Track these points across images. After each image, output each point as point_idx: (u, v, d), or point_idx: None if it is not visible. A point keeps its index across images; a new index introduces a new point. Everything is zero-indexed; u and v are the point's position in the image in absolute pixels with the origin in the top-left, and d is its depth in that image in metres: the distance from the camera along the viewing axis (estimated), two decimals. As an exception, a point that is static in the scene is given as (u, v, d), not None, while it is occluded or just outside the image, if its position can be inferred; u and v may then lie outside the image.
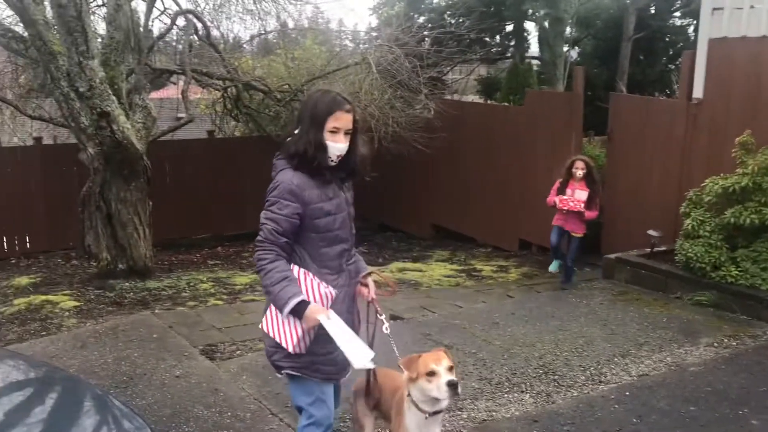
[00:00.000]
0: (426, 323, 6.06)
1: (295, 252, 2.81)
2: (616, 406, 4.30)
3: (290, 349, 2.77)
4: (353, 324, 2.96)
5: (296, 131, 2.79)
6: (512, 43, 17.85)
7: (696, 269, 6.49)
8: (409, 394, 2.86)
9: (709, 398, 4.41)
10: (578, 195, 6.80)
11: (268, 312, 2.84)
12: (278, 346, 2.81)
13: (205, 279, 7.98)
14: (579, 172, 6.82)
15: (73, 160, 8.15)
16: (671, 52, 17.60)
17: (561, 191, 6.94)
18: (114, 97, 6.91)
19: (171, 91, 13.46)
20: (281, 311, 2.72)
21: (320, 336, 2.77)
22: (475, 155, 10.26)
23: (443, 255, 10.14)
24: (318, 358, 2.84)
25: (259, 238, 2.75)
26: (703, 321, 5.96)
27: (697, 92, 7.65)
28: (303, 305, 2.69)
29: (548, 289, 7.42)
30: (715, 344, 5.44)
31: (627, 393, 4.50)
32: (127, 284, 7.32)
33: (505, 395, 4.53)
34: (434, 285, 8.16)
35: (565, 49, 16.76)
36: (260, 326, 2.89)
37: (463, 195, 10.63)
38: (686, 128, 7.71)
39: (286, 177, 2.75)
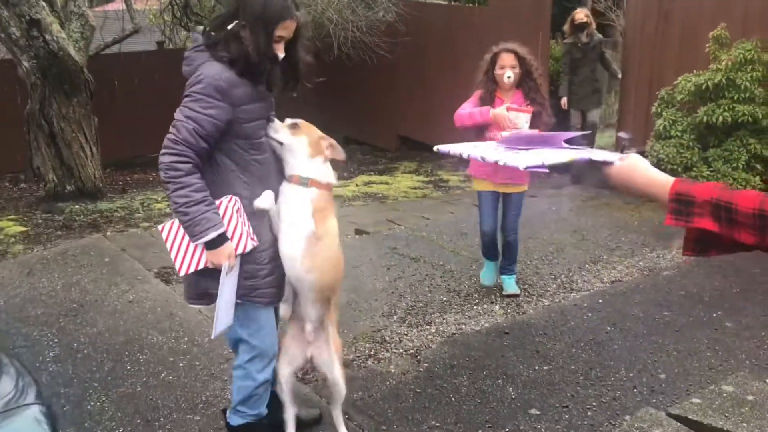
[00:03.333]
0: (393, 236, 5.84)
1: (217, 162, 2.42)
2: (589, 314, 4.17)
3: (178, 271, 2.44)
4: None
5: (231, 27, 2.36)
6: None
7: (667, 171, 6.27)
8: None
9: (682, 302, 4.30)
10: (516, 118, 3.99)
11: (174, 223, 2.45)
12: (203, 272, 2.44)
13: (159, 198, 7.62)
14: (508, 75, 4.16)
15: (14, 76, 7.57)
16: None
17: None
18: (44, 4, 6.32)
19: (118, 4, 12.66)
20: (192, 237, 2.36)
21: (260, 255, 2.48)
22: (440, 61, 9.83)
23: (410, 167, 9.87)
24: (259, 282, 2.52)
25: (171, 137, 2.31)
26: (675, 223, 5.82)
27: (670, -14, 7.27)
28: (220, 239, 2.35)
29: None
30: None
31: (599, 300, 4.37)
32: (76, 207, 6.94)
33: (475, 307, 4.37)
34: (401, 197, 7.93)
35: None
36: (160, 231, 2.50)
37: (428, 103, 10.25)
38: (657, 25, 7.37)
39: (213, 71, 2.33)
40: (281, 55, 2.42)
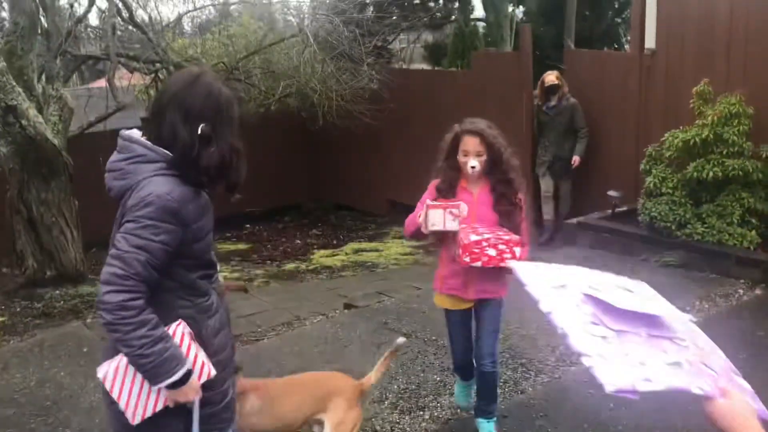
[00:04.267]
0: (383, 310, 5.64)
1: (159, 287, 2.08)
2: (591, 391, 3.94)
3: (132, 420, 2.08)
4: (232, 344, 2.40)
5: (202, 130, 2.06)
6: (456, 6, 17.36)
7: (661, 229, 6.19)
8: None
9: (688, 372, 4.08)
10: (433, 218, 3.13)
11: (116, 366, 2.07)
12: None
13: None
14: (473, 165, 3.28)
15: (-7, 160, 7.46)
16: (617, 5, 17.31)
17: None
18: (20, 90, 6.25)
19: (103, 81, 12.72)
20: (153, 380, 2.02)
21: (215, 379, 2.19)
22: (425, 124, 9.79)
23: (400, 231, 9.71)
24: (216, 408, 2.24)
25: (118, 272, 1.95)
26: (673, 283, 5.64)
27: (649, 43, 7.29)
28: (187, 375, 2.05)
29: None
30: (688, 308, 5.14)
31: (601, 374, 4.14)
32: (57, 292, 6.74)
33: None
34: (391, 265, 7.77)
35: (510, 8, 16.33)
36: (99, 378, 2.11)
37: (416, 166, 10.15)
38: (640, 81, 7.36)
39: (162, 189, 2.00)
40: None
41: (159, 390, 2.06)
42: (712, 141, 6.07)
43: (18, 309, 6.52)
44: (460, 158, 3.32)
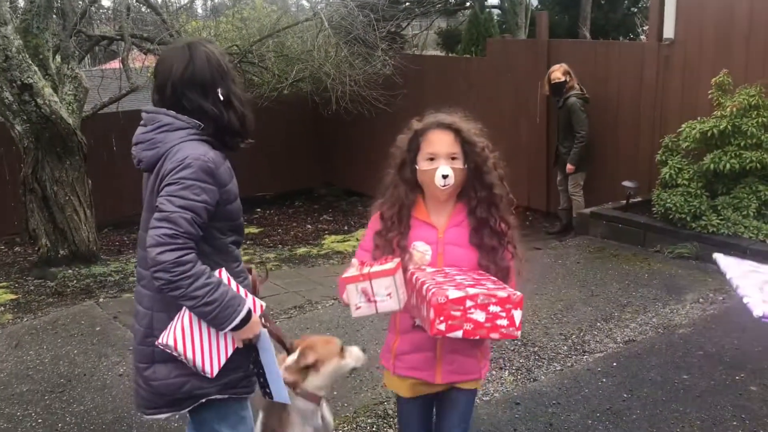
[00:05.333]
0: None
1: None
2: (604, 380, 3.94)
3: (211, 374, 2.17)
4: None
5: (221, 94, 2.17)
6: (471, -8, 17.22)
7: (675, 220, 6.15)
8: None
9: (702, 363, 4.06)
10: (354, 293, 2.06)
11: (179, 328, 2.14)
12: (189, 372, 2.20)
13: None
14: (444, 174, 2.20)
15: (9, 137, 7.47)
16: (633, -5, 17.19)
17: (387, 246, 2.26)
18: (37, 68, 6.24)
19: (117, 62, 12.68)
20: (221, 324, 2.10)
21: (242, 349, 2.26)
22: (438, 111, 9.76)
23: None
24: (247, 372, 2.32)
25: (167, 232, 2.02)
26: (687, 275, 5.62)
27: (668, 32, 7.21)
28: (249, 312, 2.15)
29: (522, 248, 7.01)
30: (701, 300, 5.11)
31: (614, 363, 4.13)
32: (69, 271, 6.76)
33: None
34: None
35: (526, -5, 16.22)
36: (166, 346, 2.15)
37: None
38: (658, 71, 7.28)
39: (197, 151, 2.10)
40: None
41: (225, 335, 2.16)
42: (730, 132, 6.00)
43: (31, 287, 6.55)
44: (423, 166, 2.21)
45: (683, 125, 6.36)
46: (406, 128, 2.31)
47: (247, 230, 9.57)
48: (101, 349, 4.77)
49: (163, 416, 2.31)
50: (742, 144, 5.96)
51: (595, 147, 7.58)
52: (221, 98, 2.17)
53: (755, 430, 3.34)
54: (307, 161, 11.53)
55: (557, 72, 7.36)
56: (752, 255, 5.62)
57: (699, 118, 6.28)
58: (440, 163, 2.17)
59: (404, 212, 2.24)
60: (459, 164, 2.19)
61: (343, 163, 11.42)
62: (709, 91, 6.27)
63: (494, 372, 4.13)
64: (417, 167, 2.23)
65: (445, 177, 2.16)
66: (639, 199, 6.99)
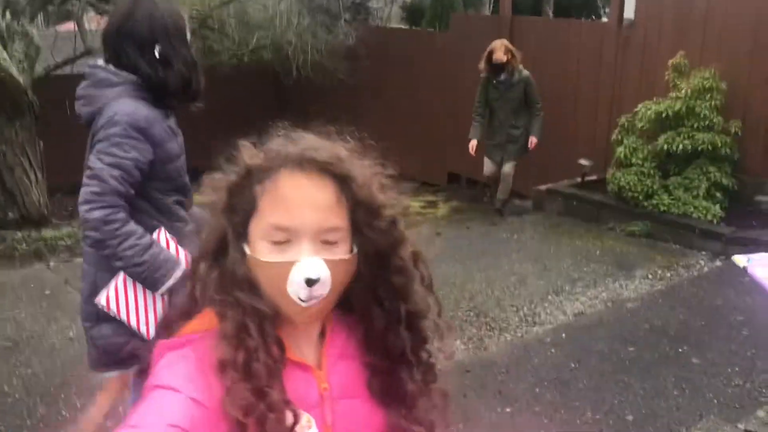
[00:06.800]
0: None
1: (132, 206, 2.12)
2: (553, 350, 4.03)
3: (147, 335, 2.15)
4: None
5: (158, 51, 2.11)
6: (437, -33, 17.11)
7: (628, 198, 6.27)
8: None
9: (648, 337, 4.18)
10: None
11: (114, 288, 2.13)
12: (131, 332, 2.17)
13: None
14: (311, 273, 0.96)
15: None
16: (597, -24, 17.30)
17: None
18: (-17, 24, 6.03)
19: (71, 24, 12.30)
20: (154, 285, 2.09)
21: None
22: (400, 85, 9.74)
23: (370, 191, 9.71)
24: None
25: (94, 190, 1.99)
26: (637, 252, 5.75)
27: (629, 13, 7.29)
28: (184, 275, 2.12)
29: (478, 224, 7.10)
30: (650, 276, 5.24)
31: (563, 335, 4.23)
32: (19, 234, 6.58)
33: (435, 343, 4.18)
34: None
35: (491, -28, 16.20)
36: (102, 306, 2.15)
37: (389, 128, 10.12)
38: (617, 51, 7.37)
39: (128, 108, 2.05)
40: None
41: (162, 297, 2.14)
42: (684, 114, 6.12)
43: (-22, 250, 6.38)
44: (263, 253, 0.98)
45: (639, 106, 6.46)
46: (226, 157, 1.11)
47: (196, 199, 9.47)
48: (51, 312, 4.68)
49: (111, 374, 2.29)
50: (695, 126, 6.08)
51: (551, 125, 7.64)
52: (157, 56, 2.12)
53: (694, 400, 3.47)
54: (266, 132, 11.40)
55: (499, 52, 6.71)
56: (701, 235, 5.79)
57: (655, 99, 6.39)
58: (300, 250, 0.97)
59: (269, 343, 0.99)
60: (342, 251, 1.00)
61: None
62: (666, 73, 6.38)
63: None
64: (247, 253, 1.00)
65: (311, 283, 0.96)
66: (595, 177, 7.10)
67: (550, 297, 4.87)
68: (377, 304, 1.06)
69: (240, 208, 1.01)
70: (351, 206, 1.00)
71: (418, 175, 9.91)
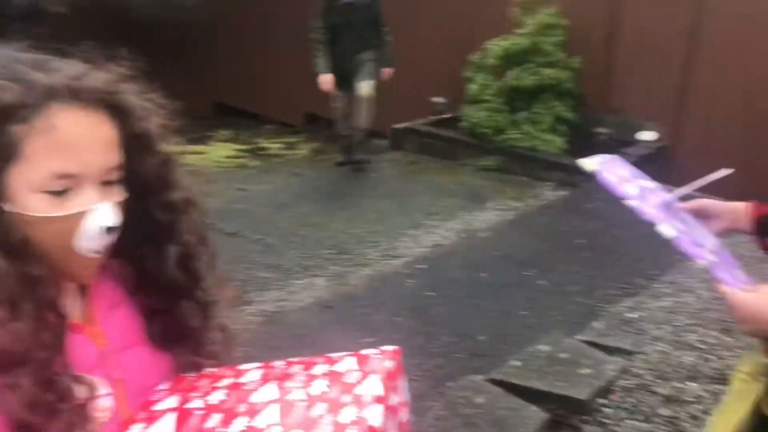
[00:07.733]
0: (207, 211, 5.48)
1: None
2: (410, 280, 4.15)
3: None
4: None
5: None
6: None
7: (481, 134, 6.48)
8: None
9: (498, 263, 4.40)
10: None
11: None
12: None
13: None
14: (103, 221, 0.84)
15: None
16: None
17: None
18: None
19: None
20: None
21: None
22: (258, 23, 9.39)
23: (226, 134, 9.40)
24: None
25: None
26: (489, 186, 6.00)
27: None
28: None
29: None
30: (500, 207, 5.49)
31: (420, 266, 4.36)
32: None
33: (297, 281, 4.19)
34: (216, 167, 7.52)
35: None
36: None
37: (246, 68, 9.80)
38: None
39: None
40: None
41: None
42: (530, 50, 6.36)
43: None
44: (38, 207, 0.81)
45: (489, 42, 6.63)
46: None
47: None
48: None
49: None
50: (540, 62, 6.34)
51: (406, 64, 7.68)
52: None
53: (542, 318, 3.70)
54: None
55: None
56: (547, 167, 6.12)
57: (503, 36, 6.58)
58: (87, 197, 0.84)
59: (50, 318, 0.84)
60: (120, 191, 0.89)
61: (152, 74, 10.73)
62: (513, 9, 6.56)
63: (308, 279, 4.21)
64: (10, 208, 0.82)
65: (109, 231, 0.85)
66: (450, 115, 7.26)
67: (408, 232, 4.98)
68: (146, 243, 0.97)
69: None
70: (124, 140, 0.89)
71: (276, 117, 9.73)
